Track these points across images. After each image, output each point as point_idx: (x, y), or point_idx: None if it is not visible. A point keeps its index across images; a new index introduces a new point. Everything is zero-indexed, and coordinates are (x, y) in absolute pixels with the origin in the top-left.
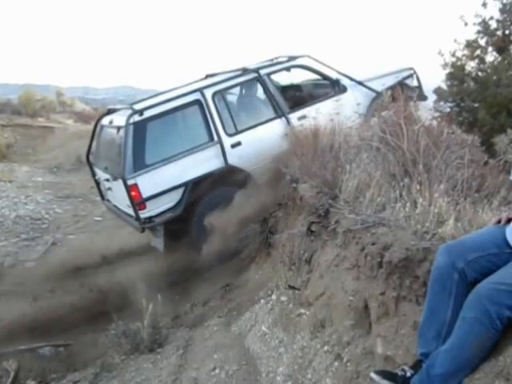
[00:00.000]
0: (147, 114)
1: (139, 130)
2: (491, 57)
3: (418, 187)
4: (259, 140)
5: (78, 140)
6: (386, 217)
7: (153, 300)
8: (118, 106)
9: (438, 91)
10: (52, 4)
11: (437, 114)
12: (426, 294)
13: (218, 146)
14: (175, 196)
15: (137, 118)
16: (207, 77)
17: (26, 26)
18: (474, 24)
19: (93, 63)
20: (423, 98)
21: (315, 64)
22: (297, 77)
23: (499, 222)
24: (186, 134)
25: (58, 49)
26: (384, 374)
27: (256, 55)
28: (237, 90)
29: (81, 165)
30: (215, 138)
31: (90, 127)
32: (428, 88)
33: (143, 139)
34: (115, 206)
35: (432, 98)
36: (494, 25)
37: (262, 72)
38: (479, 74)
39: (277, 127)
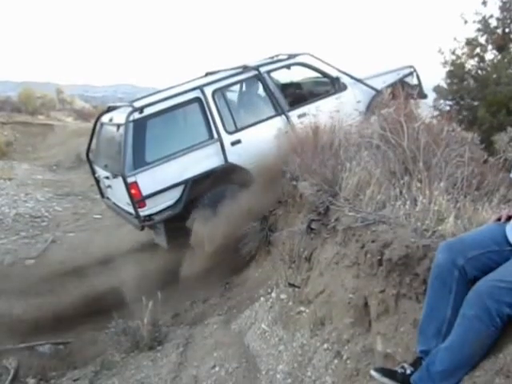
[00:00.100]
0: (147, 111)
1: (139, 127)
2: (491, 55)
3: (418, 185)
4: (259, 138)
5: (77, 138)
6: (386, 214)
7: (153, 298)
8: (117, 104)
9: (437, 89)
10: (52, 1)
11: (436, 113)
12: (425, 292)
13: (218, 143)
14: (175, 194)
15: (137, 115)
16: (207, 74)
17: (26, 23)
18: (474, 22)
19: (92, 61)
20: (423, 95)
21: (315, 62)
22: (297, 75)
23: (499, 219)
24: (186, 131)
25: (58, 46)
26: (384, 372)
27: (256, 53)
28: (237, 87)
29: (80, 162)
30: (215, 135)
31: (90, 125)
32: (428, 86)
33: (143, 137)
34: (115, 204)
35: (432, 96)
36: (493, 23)
37: (262, 70)
38: (479, 72)
39: (277, 125)
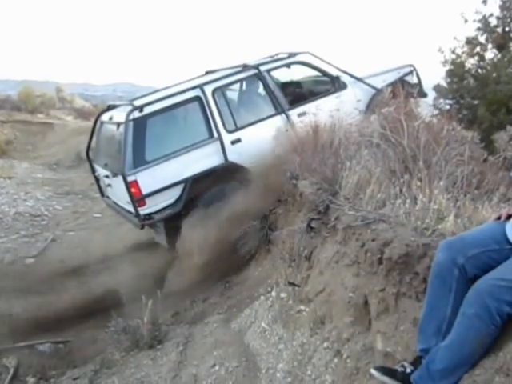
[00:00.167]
0: (147, 110)
1: (139, 126)
2: (491, 54)
3: (418, 184)
4: (259, 137)
5: (77, 136)
6: (386, 213)
7: (152, 296)
8: (117, 103)
9: (437, 88)
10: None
11: (436, 112)
12: (425, 291)
13: (218, 142)
14: (175, 192)
15: (137, 114)
16: (207, 73)
17: (25, 21)
18: (474, 21)
19: (92, 59)
20: (423, 94)
21: (315, 61)
22: (297, 73)
23: (499, 218)
24: (186, 130)
25: (58, 45)
26: (384, 370)
27: (256, 51)
28: (237, 86)
29: (80, 161)
30: (215, 134)
31: (90, 123)
32: (428, 85)
33: (143, 135)
34: (115, 203)
35: (432, 95)
36: (493, 22)
37: (262, 68)
38: (479, 71)
39: (277, 124)
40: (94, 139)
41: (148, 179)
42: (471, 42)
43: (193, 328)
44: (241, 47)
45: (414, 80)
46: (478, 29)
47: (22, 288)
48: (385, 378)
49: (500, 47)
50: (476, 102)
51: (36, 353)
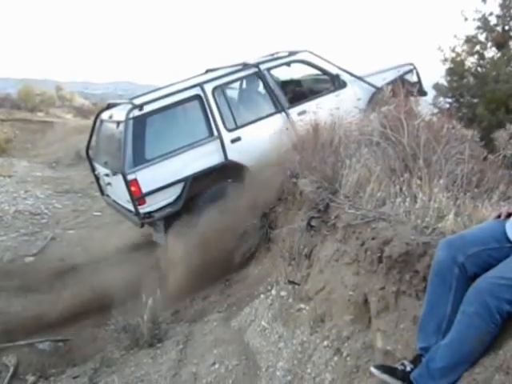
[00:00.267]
0: (147, 108)
1: (139, 124)
2: (491, 52)
3: (418, 182)
4: (259, 135)
5: (77, 135)
6: (386, 212)
7: (152, 295)
8: (117, 101)
9: (437, 87)
10: None
11: (436, 110)
12: (425, 289)
13: (218, 141)
14: (175, 191)
15: (136, 112)
16: (207, 71)
17: (25, 20)
18: (474, 19)
19: (92, 58)
20: (423, 93)
21: (315, 59)
22: (297, 72)
23: (499, 216)
24: (186, 128)
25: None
26: (384, 369)
27: (256, 50)
28: (237, 85)
29: (80, 160)
30: (215, 133)
31: (90, 122)
32: (427, 84)
33: (143, 134)
34: (115, 201)
35: (431, 93)
36: (493, 20)
37: (262, 67)
38: (479, 69)
39: (277, 122)
40: (94, 138)
41: (148, 178)
42: (471, 40)
43: (193, 326)
44: (241, 46)
45: (414, 78)
46: (478, 27)
47: (22, 286)
48: (385, 376)
49: (500, 46)
50: (476, 100)
51: (36, 351)
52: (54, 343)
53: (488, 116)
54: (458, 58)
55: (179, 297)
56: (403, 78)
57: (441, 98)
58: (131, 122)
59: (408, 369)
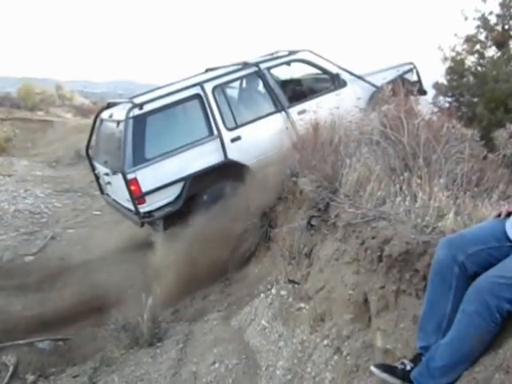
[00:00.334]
0: (147, 107)
1: (139, 123)
2: (491, 52)
3: (418, 181)
4: (259, 134)
5: (77, 134)
6: (386, 211)
7: (152, 294)
8: (117, 100)
9: (437, 86)
10: None
11: (436, 109)
12: (425, 288)
13: (218, 140)
14: (175, 190)
15: (137, 111)
16: (207, 71)
17: (25, 18)
18: (474, 19)
19: (92, 57)
20: (423, 92)
21: (315, 58)
22: (297, 71)
23: (499, 215)
24: (186, 128)
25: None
26: (384, 368)
27: (256, 49)
28: (237, 84)
29: (80, 159)
30: (215, 132)
31: (90, 121)
32: (427, 83)
33: (143, 133)
34: (114, 201)
35: (431, 92)
36: (493, 20)
37: (262, 66)
38: (478, 68)
39: (277, 121)
40: (94, 137)
41: (148, 177)
42: (471, 39)
43: (192, 325)
44: (241, 45)
45: (414, 78)
46: (478, 26)
47: (22, 285)
48: (385, 375)
49: (499, 45)
50: (475, 99)
51: (35, 350)
52: (53, 342)
53: (488, 115)
54: (458, 57)
55: (176, 298)
56: (403, 77)
57: (441, 97)
58: (131, 121)
59: (408, 368)
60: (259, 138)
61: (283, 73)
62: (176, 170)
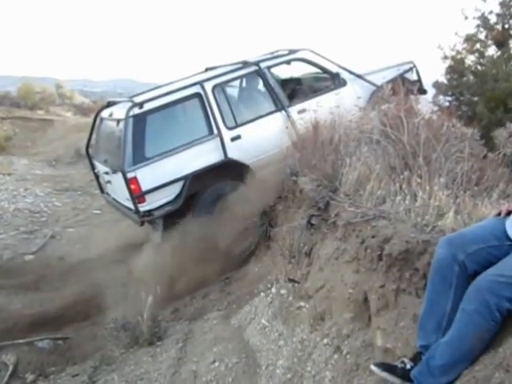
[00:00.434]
0: (147, 106)
1: (139, 122)
2: (491, 51)
3: (418, 180)
4: (259, 133)
5: (77, 133)
6: (386, 210)
7: (152, 293)
8: (117, 99)
9: (437, 85)
10: None
11: (436, 108)
12: (425, 287)
13: (218, 139)
14: (175, 189)
15: (137, 110)
16: (207, 70)
17: (25, 17)
18: (474, 18)
19: (92, 55)
20: (423, 91)
21: (315, 57)
22: (297, 70)
23: (499, 214)
24: (186, 127)
25: (58, 41)
26: (384, 366)
27: (256, 48)
28: (237, 83)
29: (80, 158)
30: (215, 131)
31: (90, 120)
32: (427, 82)
33: (143, 132)
34: (114, 200)
35: (431, 91)
36: (493, 19)
37: (262, 65)
38: (478, 67)
39: (277, 121)
40: (94, 136)
41: (148, 176)
42: (471, 38)
43: (192, 324)
44: (241, 44)
45: (414, 77)
46: (478, 26)
47: (22, 284)
48: (385, 374)
49: (499, 44)
50: (475, 98)
51: (35, 349)
52: (53, 341)
53: (488, 114)
54: (458, 56)
55: (175, 297)
56: (403, 76)
57: (441, 96)
58: (131, 120)
59: (408, 367)
60: (259, 137)
61: (283, 72)
62: (176, 169)
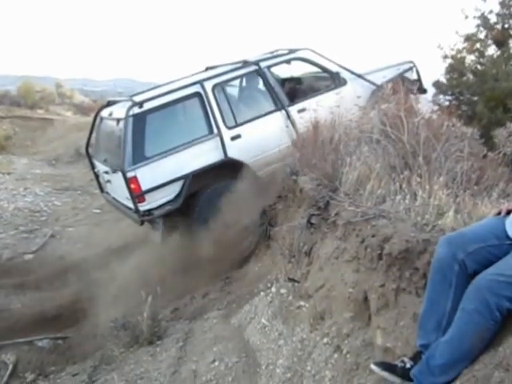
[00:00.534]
0: (147, 106)
1: (139, 122)
2: (491, 50)
3: (418, 179)
4: (259, 133)
5: (77, 132)
6: (386, 209)
7: (152, 292)
8: (117, 98)
9: (436, 84)
10: None
11: (436, 108)
12: (425, 286)
13: (218, 138)
14: (175, 188)
15: (136, 110)
16: (207, 69)
17: (25, 16)
18: (474, 17)
19: (92, 55)
20: (423, 91)
21: (315, 57)
22: (297, 70)
23: (499, 213)
24: (186, 126)
25: (58, 40)
26: (384, 366)
27: (256, 48)
28: (237, 82)
29: (80, 157)
30: (215, 130)
31: (90, 119)
32: (427, 81)
33: (143, 131)
34: (114, 199)
35: (431, 91)
36: (493, 18)
37: (263, 65)
38: (478, 67)
39: (277, 120)
40: (94, 135)
41: (147, 175)
42: (471, 38)
43: (192, 324)
44: (241, 43)
45: (414, 76)
46: (478, 25)
47: (21, 284)
48: (385, 374)
49: (499, 44)
50: (475, 98)
51: (35, 349)
52: (53, 341)
53: (487, 114)
54: (458, 56)
55: (175, 296)
56: (403, 75)
57: (440, 96)
58: (131, 119)
59: (408, 366)
60: (259, 137)
61: (283, 71)
62: (176, 169)
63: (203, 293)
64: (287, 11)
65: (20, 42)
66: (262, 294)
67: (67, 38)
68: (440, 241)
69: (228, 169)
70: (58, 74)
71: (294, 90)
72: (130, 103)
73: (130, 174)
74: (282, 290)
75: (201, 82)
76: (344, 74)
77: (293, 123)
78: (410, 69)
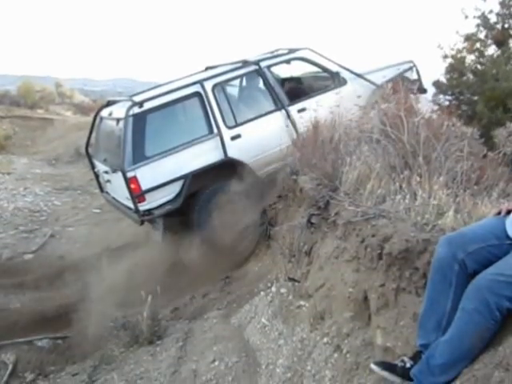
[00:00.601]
0: (147, 105)
1: (139, 121)
2: (491, 50)
3: (418, 179)
4: (259, 132)
5: (77, 132)
6: (386, 209)
7: (152, 292)
8: (117, 98)
9: (437, 84)
10: None
11: (436, 107)
12: (425, 286)
13: (218, 138)
14: (175, 188)
15: (136, 109)
16: (207, 69)
17: (25, 16)
18: (474, 17)
19: (92, 54)
20: (423, 90)
21: (315, 57)
22: (297, 69)
23: (499, 213)
24: (186, 126)
25: (58, 40)
26: (384, 365)
27: (256, 47)
28: (237, 82)
29: (80, 157)
30: (215, 130)
31: (89, 119)
32: (427, 81)
33: (143, 131)
34: (114, 199)
35: (431, 90)
36: (493, 18)
37: (263, 64)
38: (478, 67)
39: (277, 120)
40: (94, 135)
41: (147, 175)
42: (471, 38)
43: (192, 323)
44: (241, 43)
45: (414, 76)
46: (478, 25)
47: (21, 284)
48: (385, 373)
49: (499, 44)
50: (475, 98)
51: (35, 348)
52: (52, 340)
53: (488, 113)
54: (458, 56)
55: (175, 296)
56: (403, 75)
57: (440, 96)
58: (131, 119)
59: (408, 365)
60: (259, 137)
61: (283, 71)
62: (176, 168)
63: (203, 292)
64: (287, 11)
65: (20, 42)
66: (262, 293)
67: (67, 37)
68: (440, 240)
69: (228, 169)
70: (58, 73)
71: (294, 90)
72: (129, 103)
73: (129, 174)
74: (282, 290)
75: (201, 82)
76: (344, 74)
77: (293, 123)
78: (410, 68)
